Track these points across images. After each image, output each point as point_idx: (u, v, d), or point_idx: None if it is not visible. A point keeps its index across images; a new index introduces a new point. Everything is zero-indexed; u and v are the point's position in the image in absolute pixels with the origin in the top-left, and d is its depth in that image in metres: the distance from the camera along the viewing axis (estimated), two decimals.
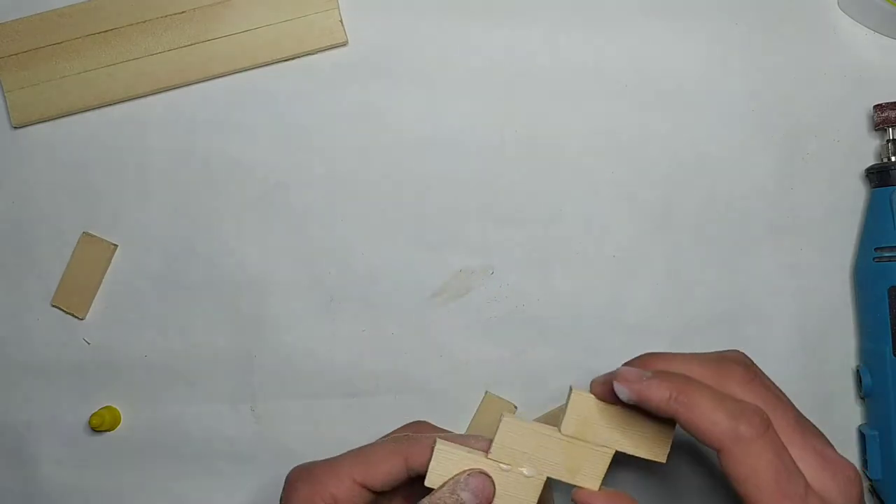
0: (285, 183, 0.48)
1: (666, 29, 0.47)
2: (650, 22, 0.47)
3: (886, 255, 0.43)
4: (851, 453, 0.46)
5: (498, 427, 0.37)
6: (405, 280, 0.48)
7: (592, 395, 0.37)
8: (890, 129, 0.44)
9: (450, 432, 0.42)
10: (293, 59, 0.48)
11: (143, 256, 0.49)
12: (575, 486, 0.37)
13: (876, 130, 0.45)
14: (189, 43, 0.48)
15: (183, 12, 0.48)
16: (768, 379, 0.37)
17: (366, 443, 0.39)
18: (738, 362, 0.36)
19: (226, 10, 0.48)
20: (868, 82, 0.46)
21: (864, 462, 0.45)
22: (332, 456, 0.39)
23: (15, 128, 0.49)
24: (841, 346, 0.47)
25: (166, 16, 0.48)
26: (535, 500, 0.37)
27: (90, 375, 0.49)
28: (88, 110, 0.49)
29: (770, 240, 0.47)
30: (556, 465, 0.37)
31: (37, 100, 0.48)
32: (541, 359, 0.47)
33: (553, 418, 0.39)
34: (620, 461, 0.37)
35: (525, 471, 0.37)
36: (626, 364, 0.37)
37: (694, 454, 0.46)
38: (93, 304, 0.49)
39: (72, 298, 0.49)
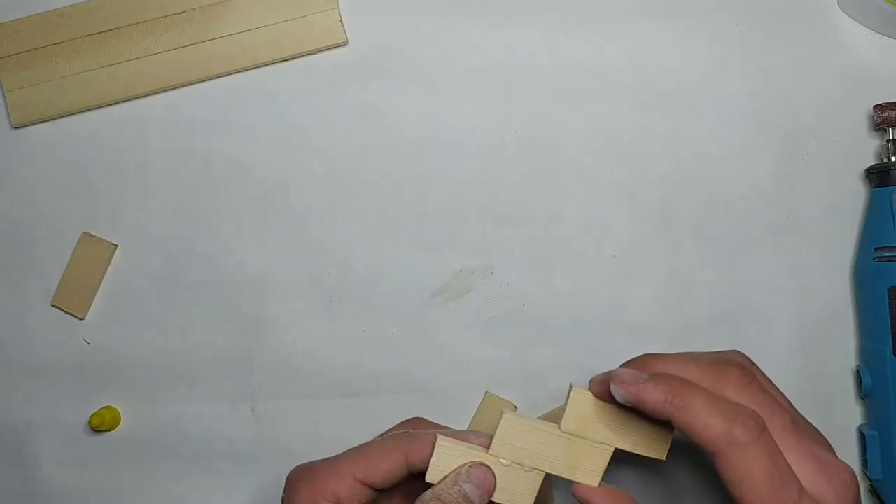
0: (285, 183, 0.48)
1: (666, 29, 0.47)
2: (650, 22, 0.47)
3: (886, 255, 0.43)
4: (851, 453, 0.46)
5: (499, 423, 0.37)
6: (405, 280, 0.48)
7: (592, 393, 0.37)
8: (890, 129, 0.44)
9: (448, 428, 0.42)
10: (293, 59, 0.48)
11: (143, 256, 0.49)
12: (575, 482, 0.37)
13: (876, 130, 0.45)
14: (189, 43, 0.48)
15: (183, 12, 0.48)
16: (767, 381, 0.37)
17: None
18: (735, 365, 0.36)
19: (226, 10, 0.48)
20: (868, 82, 0.46)
21: (864, 462, 0.45)
22: (331, 456, 0.39)
23: (15, 128, 0.49)
24: (841, 346, 0.47)
25: (166, 16, 0.48)
26: (534, 495, 0.37)
27: (90, 375, 0.49)
28: (88, 110, 0.49)
29: (770, 240, 0.47)
30: (556, 461, 0.37)
31: (37, 100, 0.48)
32: (541, 359, 0.47)
33: (553, 418, 0.39)
34: (620, 459, 0.37)
35: (525, 466, 0.37)
36: (623, 365, 0.37)
37: (694, 453, 0.46)
38: (93, 304, 0.49)
39: (72, 298, 0.49)
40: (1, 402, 0.50)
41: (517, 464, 0.37)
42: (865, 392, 0.45)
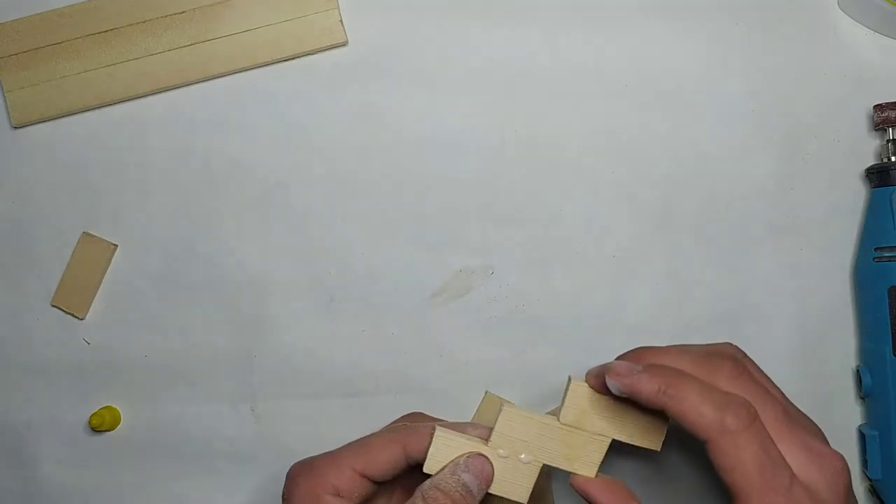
0: (285, 183, 0.48)
1: (666, 29, 0.47)
2: (650, 22, 0.47)
3: (886, 255, 0.43)
4: (851, 453, 0.46)
5: (498, 416, 0.37)
6: (405, 280, 0.48)
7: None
8: (890, 129, 0.44)
9: (445, 421, 0.42)
10: (293, 59, 0.48)
11: (143, 256, 0.49)
12: (572, 473, 0.38)
13: (876, 130, 0.45)
14: (189, 43, 0.48)
15: (183, 12, 0.48)
16: (760, 372, 0.38)
17: None
18: (727, 357, 0.36)
19: (226, 10, 0.48)
20: (868, 82, 0.46)
21: (864, 462, 0.45)
22: (331, 450, 0.39)
23: (15, 128, 0.49)
24: (841, 346, 0.47)
25: (166, 16, 0.48)
26: (532, 485, 0.38)
27: (90, 375, 0.49)
28: (88, 110, 0.49)
29: (770, 240, 0.47)
30: (554, 453, 0.38)
31: (37, 100, 0.48)
32: (541, 359, 0.48)
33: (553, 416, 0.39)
34: (617, 449, 0.38)
35: (522, 457, 0.37)
36: (619, 357, 0.38)
37: (689, 442, 0.46)
38: (93, 304, 0.49)
39: (72, 298, 0.49)
40: (1, 402, 0.50)
41: (515, 455, 0.37)
42: (865, 392, 0.45)
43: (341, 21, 0.47)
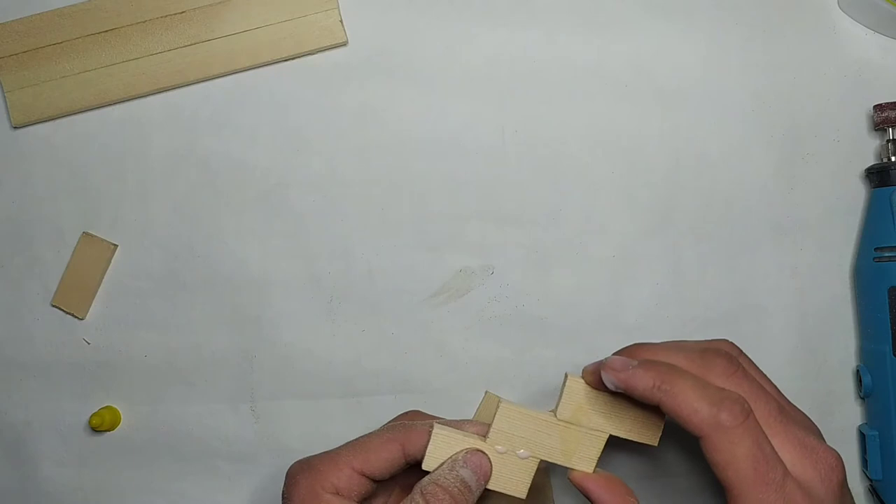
0: (285, 183, 0.48)
1: (666, 29, 0.47)
2: (650, 22, 0.47)
3: (886, 255, 0.43)
4: (851, 453, 0.46)
5: (496, 412, 0.38)
6: (405, 280, 0.48)
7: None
8: (890, 129, 0.44)
9: (443, 419, 0.42)
10: (293, 59, 0.48)
11: (143, 256, 0.49)
12: (570, 468, 0.38)
13: (876, 130, 0.45)
14: (189, 43, 0.48)
15: (183, 12, 0.48)
16: (755, 368, 0.38)
17: None
18: (721, 354, 0.36)
19: (226, 10, 0.48)
20: (868, 82, 0.46)
21: (864, 462, 0.45)
22: (330, 449, 0.39)
23: (15, 128, 0.49)
24: (841, 346, 0.47)
25: (166, 16, 0.48)
26: (530, 481, 0.38)
27: (90, 375, 0.49)
28: (88, 110, 0.49)
29: (770, 240, 0.47)
30: (551, 448, 0.38)
31: (37, 100, 0.48)
32: (541, 358, 0.48)
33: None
34: (615, 444, 0.38)
35: (520, 452, 0.38)
36: (615, 353, 0.38)
37: (685, 438, 0.46)
38: (93, 304, 0.49)
39: (72, 298, 0.49)
40: (1, 402, 0.50)
41: (513, 451, 0.38)
42: (865, 392, 0.45)
43: (341, 21, 0.47)
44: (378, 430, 0.40)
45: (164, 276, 0.49)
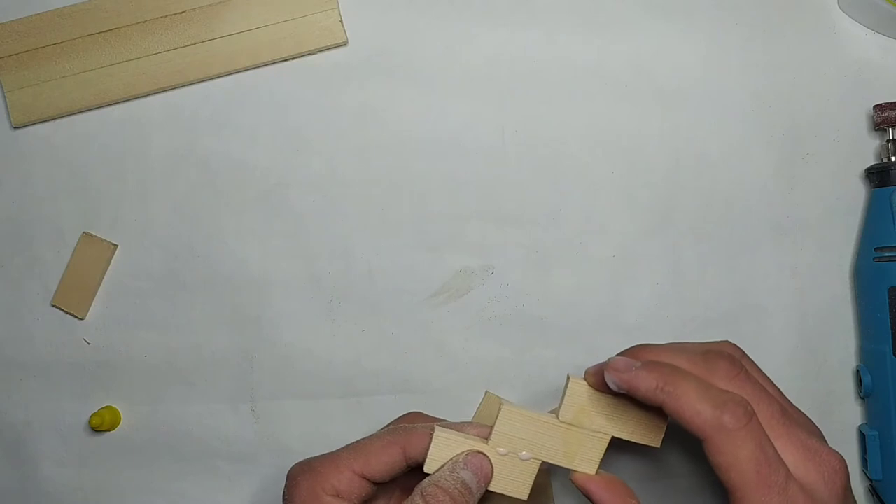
0: (285, 183, 0.48)
1: (666, 29, 0.47)
2: (650, 22, 0.47)
3: (886, 255, 0.43)
4: (851, 453, 0.46)
5: (498, 414, 0.38)
6: (405, 280, 0.48)
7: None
8: (890, 129, 0.44)
9: (445, 420, 0.42)
10: (293, 59, 0.48)
11: (143, 256, 0.49)
12: (573, 470, 0.38)
13: (876, 130, 0.45)
14: (189, 43, 0.48)
15: (183, 12, 0.48)
16: (758, 370, 0.38)
17: None
18: (724, 357, 0.36)
19: (226, 10, 0.48)
20: (868, 82, 0.46)
21: (864, 462, 0.45)
22: (330, 451, 0.39)
23: (15, 128, 0.49)
24: (841, 346, 0.47)
25: (166, 16, 0.48)
26: (531, 482, 0.38)
27: (90, 375, 0.49)
28: (88, 110, 0.49)
29: (770, 240, 0.47)
30: (554, 450, 0.38)
31: (37, 100, 0.49)
32: (541, 359, 0.48)
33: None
34: (617, 446, 0.38)
35: (522, 454, 0.38)
36: (618, 355, 0.38)
37: (688, 439, 0.46)
38: (93, 304, 0.49)
39: (72, 298, 0.49)
40: (1, 401, 0.50)
41: (513, 452, 0.38)
42: (865, 392, 0.45)
43: (341, 21, 0.47)
44: (378, 433, 0.40)
45: (164, 276, 0.49)
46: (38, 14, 0.48)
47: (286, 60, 0.48)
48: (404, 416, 0.44)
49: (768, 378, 0.38)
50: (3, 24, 0.48)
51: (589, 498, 0.38)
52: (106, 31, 0.48)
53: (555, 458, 0.38)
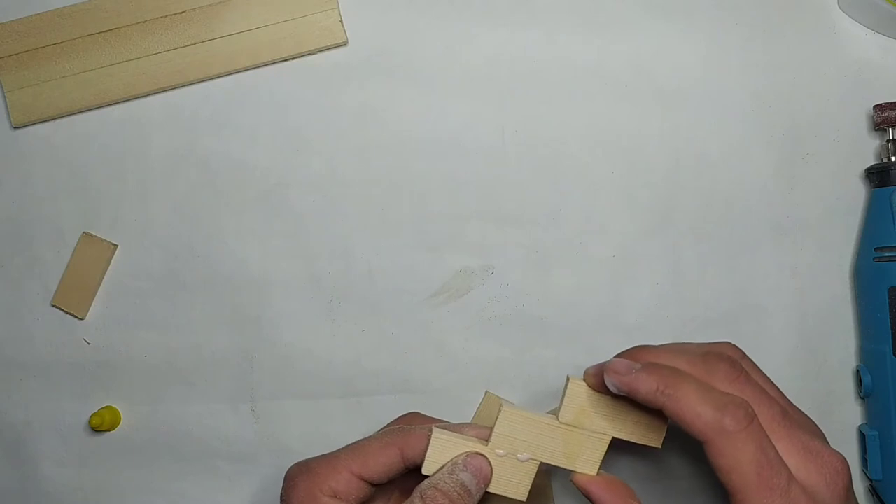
0: (285, 183, 0.48)
1: (666, 29, 0.47)
2: (650, 22, 0.47)
3: (886, 255, 0.43)
4: (851, 453, 0.46)
5: (498, 415, 0.38)
6: (405, 280, 0.48)
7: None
8: (890, 129, 0.44)
9: (443, 421, 0.42)
10: (293, 59, 0.48)
11: (143, 256, 0.49)
12: (573, 471, 0.38)
13: (876, 130, 0.45)
14: (189, 43, 0.48)
15: (183, 12, 0.48)
16: (759, 372, 0.38)
17: None
18: (724, 359, 0.36)
19: (226, 10, 0.48)
20: (868, 82, 0.46)
21: (864, 462, 0.45)
22: (328, 452, 0.39)
23: (15, 128, 0.49)
24: (841, 346, 0.47)
25: (166, 16, 0.48)
26: (530, 483, 0.38)
27: (90, 375, 0.49)
28: (88, 110, 0.49)
29: (770, 240, 0.47)
30: (554, 452, 0.38)
31: (37, 100, 0.49)
32: (541, 359, 0.48)
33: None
34: (618, 447, 0.38)
35: (521, 455, 0.38)
36: (617, 356, 0.38)
37: (689, 442, 0.46)
38: (93, 304, 0.49)
39: (72, 298, 0.49)
40: (1, 401, 0.50)
41: (512, 453, 0.38)
42: (865, 392, 0.45)
43: (341, 21, 0.47)
44: (377, 434, 0.39)
45: (164, 276, 0.49)
46: (38, 14, 0.48)
47: (286, 60, 0.48)
48: (403, 416, 0.44)
49: (769, 379, 0.38)
50: (3, 24, 0.48)
51: (590, 499, 0.38)
52: (106, 31, 0.48)
53: (555, 460, 0.38)
